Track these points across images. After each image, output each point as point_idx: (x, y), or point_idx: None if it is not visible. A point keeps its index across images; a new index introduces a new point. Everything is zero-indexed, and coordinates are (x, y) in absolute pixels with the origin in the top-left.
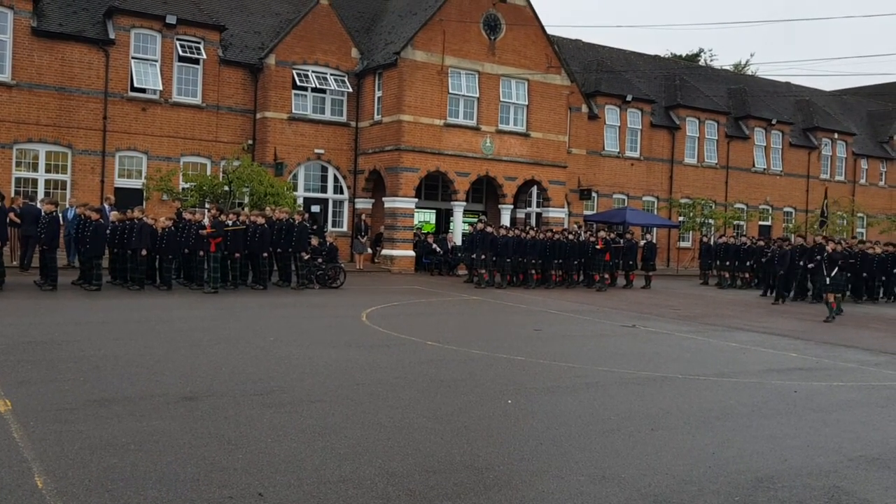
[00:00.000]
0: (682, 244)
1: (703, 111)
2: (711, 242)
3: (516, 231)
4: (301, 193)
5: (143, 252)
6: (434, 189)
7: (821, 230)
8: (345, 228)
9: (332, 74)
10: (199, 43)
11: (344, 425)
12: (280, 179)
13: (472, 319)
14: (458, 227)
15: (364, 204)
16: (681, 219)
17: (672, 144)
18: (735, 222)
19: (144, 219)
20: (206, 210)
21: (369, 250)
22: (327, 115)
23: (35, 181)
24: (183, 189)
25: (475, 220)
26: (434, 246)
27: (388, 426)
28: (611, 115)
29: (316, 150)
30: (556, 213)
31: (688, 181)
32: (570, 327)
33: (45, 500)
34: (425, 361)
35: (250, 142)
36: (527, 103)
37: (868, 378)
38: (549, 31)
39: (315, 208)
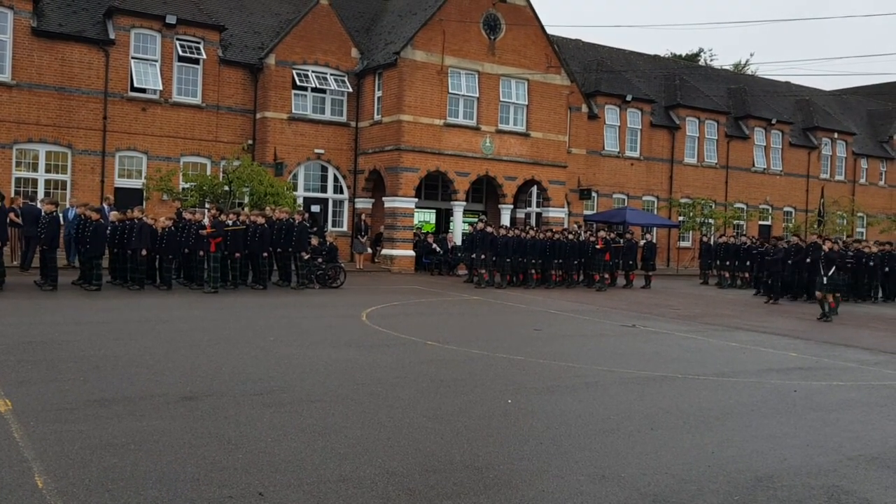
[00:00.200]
0: (682, 244)
1: (703, 111)
2: (711, 242)
3: (516, 231)
4: (301, 193)
5: (144, 252)
6: (434, 189)
7: (818, 229)
8: (345, 228)
9: (331, 74)
10: (198, 43)
11: (344, 425)
12: (280, 179)
13: (472, 319)
14: (458, 226)
15: (364, 204)
16: (681, 218)
17: (672, 144)
18: (735, 222)
19: (144, 219)
20: (206, 210)
21: (369, 250)
22: (327, 115)
23: (35, 181)
24: (183, 189)
25: (475, 219)
26: (434, 246)
27: (388, 426)
28: (611, 114)
29: (316, 150)
30: (556, 213)
31: (688, 181)
32: (570, 327)
33: (46, 500)
34: (425, 361)
35: (250, 142)
36: (527, 103)
37: (868, 377)
38: (549, 30)
39: (315, 208)
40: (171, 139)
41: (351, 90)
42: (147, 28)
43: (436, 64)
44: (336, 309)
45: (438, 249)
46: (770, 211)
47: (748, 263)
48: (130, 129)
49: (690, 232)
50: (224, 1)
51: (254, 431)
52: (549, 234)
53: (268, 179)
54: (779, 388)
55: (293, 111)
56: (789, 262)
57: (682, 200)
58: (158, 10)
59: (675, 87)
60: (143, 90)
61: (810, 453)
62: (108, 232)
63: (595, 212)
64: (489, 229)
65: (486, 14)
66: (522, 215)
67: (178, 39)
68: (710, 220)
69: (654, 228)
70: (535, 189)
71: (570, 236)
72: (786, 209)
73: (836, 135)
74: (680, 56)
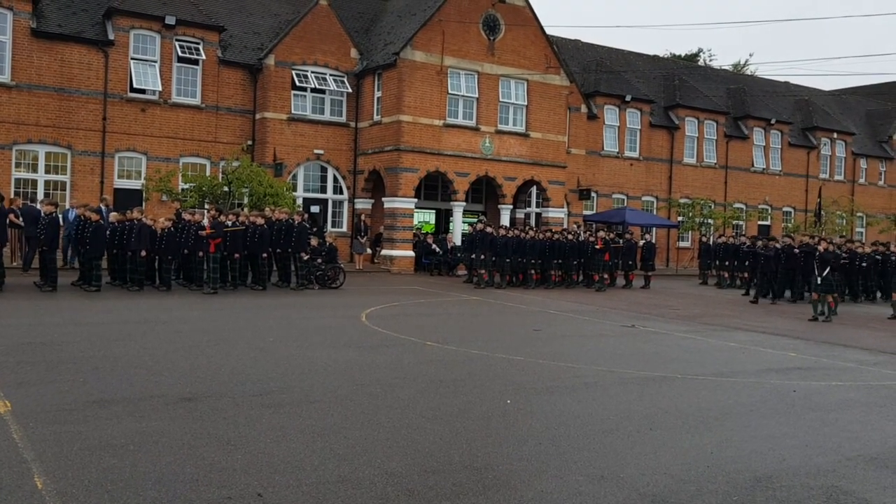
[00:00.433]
0: (682, 244)
1: (702, 111)
2: (710, 242)
3: (516, 231)
4: (300, 194)
5: (143, 253)
6: (433, 189)
7: (816, 229)
8: (344, 229)
9: (331, 75)
10: (198, 44)
11: (343, 425)
12: (279, 180)
13: (471, 320)
14: (458, 227)
15: (363, 204)
16: (680, 219)
17: (671, 144)
18: (734, 222)
19: (144, 219)
20: (205, 211)
21: (369, 250)
22: (327, 116)
23: (35, 182)
24: (182, 190)
25: (475, 220)
26: (434, 246)
27: (388, 426)
28: (610, 115)
29: (315, 151)
30: (556, 214)
31: (687, 181)
32: (570, 327)
33: (45, 501)
34: (424, 362)
35: (250, 142)
36: (526, 103)
37: (867, 377)
38: (548, 31)
39: (314, 209)
40: (170, 140)
41: (350, 91)
42: (146, 29)
43: (435, 64)
44: (335, 309)
45: (438, 250)
46: (769, 211)
47: (746, 263)
48: (130, 129)
49: (690, 232)
50: (223, 2)
51: (253, 432)
52: (548, 234)
53: (267, 180)
54: (778, 388)
55: (292, 112)
56: (781, 262)
57: (682, 200)
58: (158, 11)
59: (674, 88)
60: (142, 91)
61: (809, 454)
62: (107, 233)
63: (594, 212)
64: (489, 230)
65: (486, 14)
66: (522, 215)
67: (177, 40)
68: (710, 221)
69: (654, 228)
70: (534, 189)
71: (570, 236)
72: (785, 209)
73: (835, 135)
74: (679, 56)
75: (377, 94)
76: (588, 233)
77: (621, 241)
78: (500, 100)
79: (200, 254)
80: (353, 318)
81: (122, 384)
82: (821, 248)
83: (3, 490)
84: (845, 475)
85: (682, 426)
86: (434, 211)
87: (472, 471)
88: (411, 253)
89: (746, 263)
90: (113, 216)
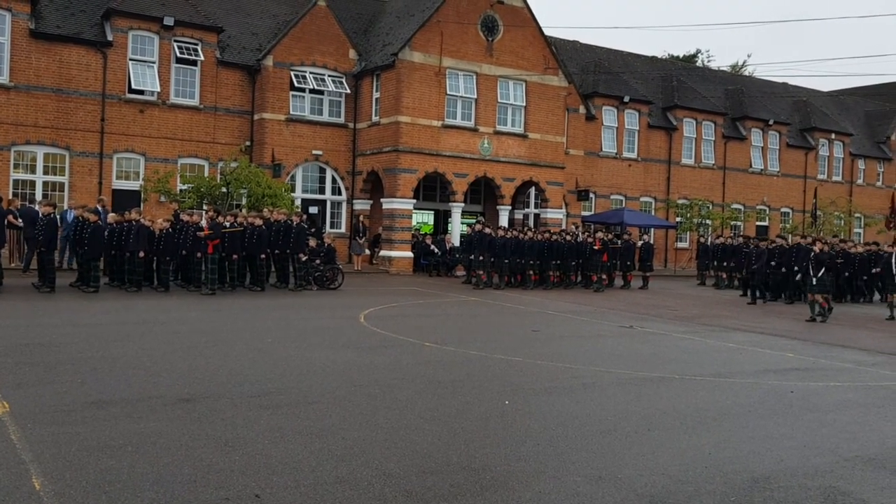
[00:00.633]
0: (680, 245)
1: (701, 112)
2: (708, 243)
3: (514, 232)
4: (299, 195)
5: (141, 254)
6: (432, 190)
7: (811, 230)
8: (343, 230)
9: (329, 76)
10: (196, 44)
11: (341, 426)
12: (278, 181)
13: (469, 320)
14: (457, 228)
15: (362, 205)
16: (678, 219)
17: (669, 145)
18: (732, 223)
19: (142, 220)
20: (203, 212)
21: (367, 251)
22: (325, 117)
23: (33, 183)
24: (181, 191)
25: (473, 221)
26: (432, 247)
27: (386, 427)
28: (608, 116)
29: (314, 152)
30: (554, 214)
31: (685, 182)
32: (568, 328)
33: (43, 502)
34: (423, 363)
35: (248, 143)
36: (524, 104)
37: (865, 378)
38: (547, 32)
39: (313, 209)
40: (168, 141)
41: (349, 91)
42: (145, 30)
43: (434, 65)
44: (334, 310)
45: (436, 251)
46: (767, 212)
47: (734, 264)
48: (128, 130)
49: (688, 233)
50: (222, 2)
51: (251, 433)
52: (546, 235)
53: (265, 181)
54: (776, 388)
55: (291, 112)
56: (773, 262)
57: (680, 201)
58: (156, 12)
59: (672, 89)
60: (140, 92)
61: (807, 454)
62: (105, 234)
63: (593, 213)
64: (487, 230)
65: (484, 15)
66: (520, 216)
67: (175, 41)
68: (708, 221)
69: (652, 229)
70: (532, 190)
71: (568, 237)
72: (783, 210)
73: (833, 135)
74: (677, 57)
75: (375, 94)
76: (586, 233)
77: (619, 241)
78: (499, 101)
79: (199, 255)
80: (352, 319)
81: (121, 385)
82: (816, 248)
83: (2, 491)
84: (843, 476)
85: (679, 427)
86: (432, 212)
87: (470, 471)
88: (410, 254)
89: (725, 263)
90: (111, 217)
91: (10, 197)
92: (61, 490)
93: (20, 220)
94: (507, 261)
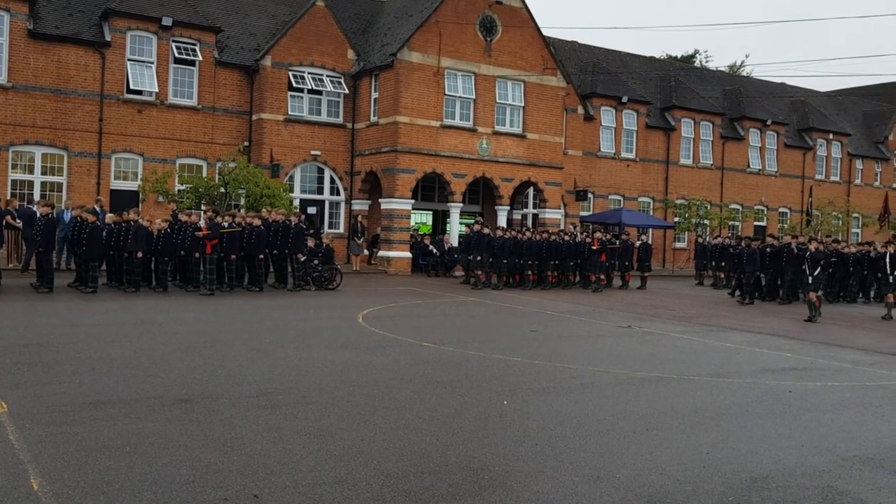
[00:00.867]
0: (678, 245)
1: (699, 112)
2: (707, 243)
3: (513, 232)
4: (297, 195)
5: (140, 254)
6: (431, 190)
7: (808, 229)
8: (341, 230)
9: (328, 76)
10: (194, 45)
11: (339, 427)
12: (276, 181)
13: (468, 321)
14: (455, 228)
15: (361, 205)
16: (676, 220)
17: (667, 145)
18: (730, 223)
19: (140, 221)
20: (202, 212)
21: (366, 252)
22: (323, 117)
23: (31, 183)
24: (179, 191)
25: (472, 221)
26: (431, 247)
27: (384, 427)
28: (606, 116)
29: (312, 152)
30: (553, 215)
31: (683, 182)
32: (566, 328)
33: (41, 502)
34: (421, 363)
35: (246, 143)
36: (523, 105)
37: (862, 378)
38: (545, 32)
39: (311, 210)
40: (167, 141)
41: (347, 92)
42: (143, 30)
43: (432, 65)
44: (332, 311)
45: (435, 251)
46: (765, 212)
47: (723, 264)
48: (126, 131)
49: (686, 233)
50: (220, 3)
51: (249, 433)
52: (545, 235)
53: (264, 181)
54: (774, 388)
55: (289, 113)
56: (766, 262)
57: (678, 201)
58: (154, 12)
59: (670, 89)
60: (139, 92)
61: (805, 454)
62: (104, 234)
63: (591, 213)
64: (486, 231)
65: (483, 16)
66: (519, 217)
67: (174, 41)
68: (706, 221)
69: (650, 229)
70: (531, 190)
71: (567, 237)
72: (781, 210)
73: (831, 136)
74: (675, 57)
75: (374, 95)
76: (585, 234)
77: (618, 241)
78: (497, 101)
79: (197, 255)
80: (350, 320)
81: (119, 385)
82: (811, 247)
83: (0, 491)
84: (841, 475)
85: (678, 427)
86: (431, 212)
87: (468, 472)
88: (408, 254)
89: (723, 264)
90: (109, 217)
91: (9, 197)
92: (59, 490)
93: (19, 221)
94: (505, 261)
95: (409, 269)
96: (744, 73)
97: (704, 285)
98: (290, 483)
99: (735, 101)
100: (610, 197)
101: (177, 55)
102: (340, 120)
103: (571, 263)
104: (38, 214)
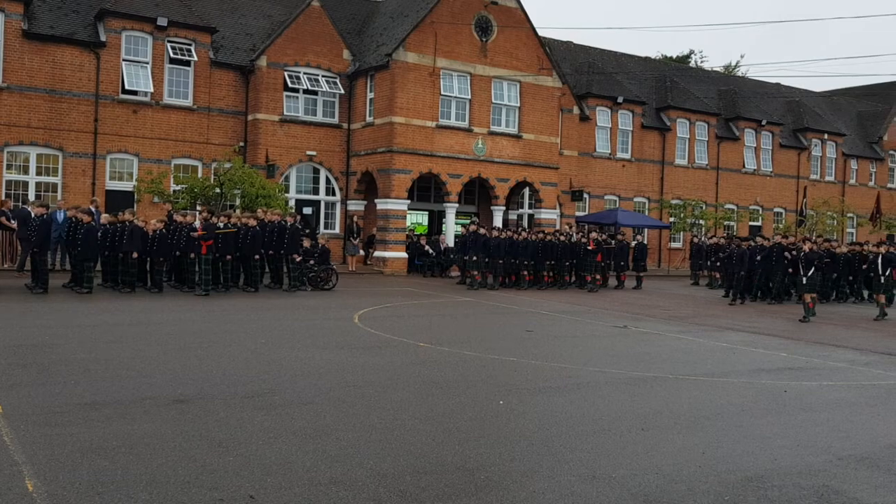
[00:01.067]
0: (673, 245)
1: (694, 112)
2: (702, 243)
3: (508, 232)
4: (293, 195)
5: (135, 255)
6: (426, 191)
7: (802, 229)
8: (337, 230)
9: (323, 76)
10: (190, 45)
11: (335, 427)
12: (272, 181)
13: (464, 321)
14: (451, 228)
15: (356, 206)
16: (671, 220)
17: (663, 146)
18: (725, 223)
19: (135, 221)
20: (197, 212)
21: (361, 252)
22: (319, 117)
23: (26, 184)
24: (174, 191)
25: (467, 221)
26: (426, 247)
27: (380, 428)
28: (602, 116)
29: (308, 152)
30: (548, 215)
31: (678, 182)
32: (562, 328)
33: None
34: (417, 363)
35: (242, 144)
36: (518, 105)
37: (858, 377)
38: (541, 32)
39: (307, 210)
40: (162, 141)
41: (343, 92)
42: (138, 30)
43: (428, 66)
44: (328, 311)
45: (431, 251)
46: (760, 212)
47: (718, 263)
48: (121, 131)
49: (681, 233)
50: (215, 3)
51: (245, 434)
52: (540, 235)
53: (259, 181)
54: (769, 388)
55: (285, 113)
56: (756, 261)
57: (673, 201)
58: (150, 13)
59: (665, 89)
60: (134, 92)
61: (800, 453)
62: (99, 235)
63: (586, 213)
64: (481, 231)
65: (478, 16)
66: (514, 217)
67: (169, 41)
68: (701, 222)
69: (645, 229)
70: (526, 191)
71: (562, 238)
72: (776, 210)
73: (826, 136)
74: (670, 58)
75: (370, 95)
76: (580, 234)
77: (613, 242)
78: (493, 101)
79: (192, 255)
80: (346, 320)
81: (114, 386)
82: (805, 248)
83: None
84: (836, 475)
85: (673, 426)
86: (427, 212)
87: (464, 471)
88: (404, 254)
89: (718, 264)
90: (105, 218)
91: (3, 198)
92: (54, 491)
93: (13, 222)
94: (501, 261)
95: (405, 269)
96: (739, 74)
97: (700, 285)
98: (286, 483)
99: (730, 101)
100: (605, 197)
101: (172, 55)
102: (336, 120)
103: (567, 263)
104: (33, 215)
